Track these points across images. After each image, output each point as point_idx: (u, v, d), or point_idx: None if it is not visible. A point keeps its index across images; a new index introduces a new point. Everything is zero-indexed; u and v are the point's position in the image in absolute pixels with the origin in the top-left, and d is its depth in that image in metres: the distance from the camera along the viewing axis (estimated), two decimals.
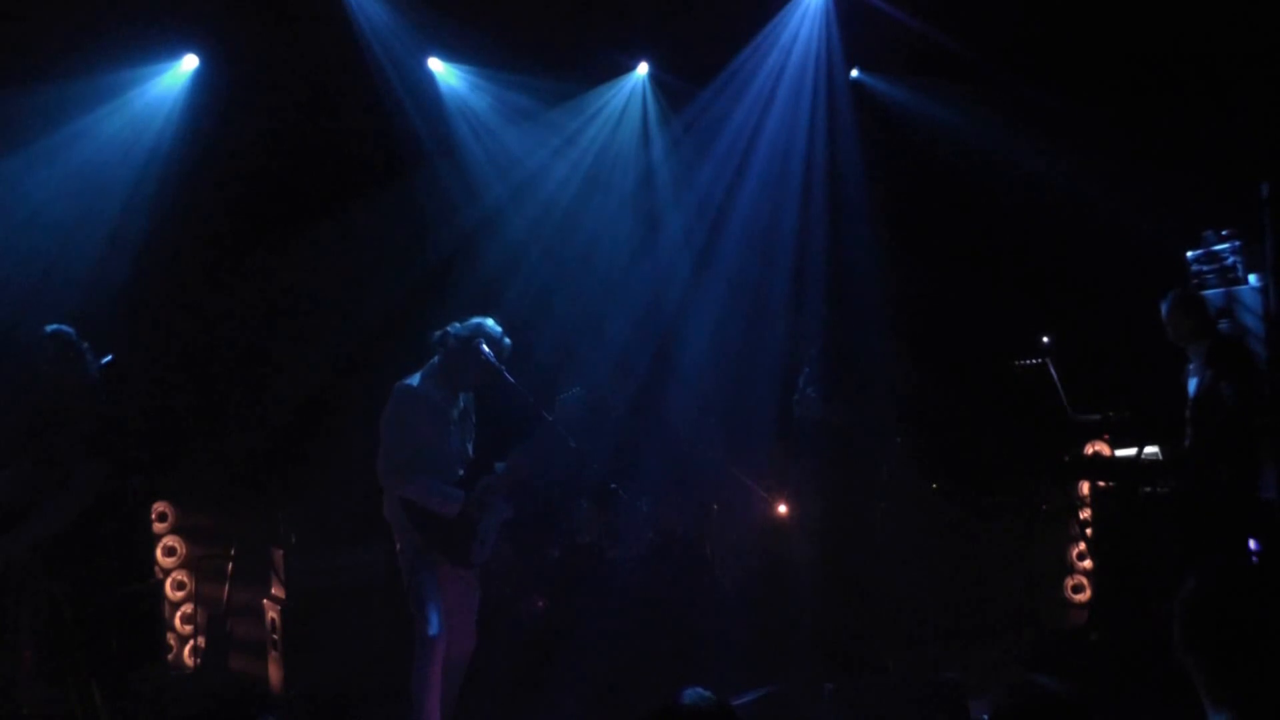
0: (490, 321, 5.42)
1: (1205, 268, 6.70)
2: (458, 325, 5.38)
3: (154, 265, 7.15)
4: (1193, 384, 5.95)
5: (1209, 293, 6.46)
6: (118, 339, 5.87)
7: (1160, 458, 6.27)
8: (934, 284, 7.62)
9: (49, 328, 5.53)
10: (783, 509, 7.04)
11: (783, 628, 6.60)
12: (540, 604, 6.60)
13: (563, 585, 6.60)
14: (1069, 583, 7.68)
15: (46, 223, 7.00)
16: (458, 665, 5.44)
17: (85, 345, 5.60)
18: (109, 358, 5.75)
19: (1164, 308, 5.98)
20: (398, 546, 5.38)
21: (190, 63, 7.47)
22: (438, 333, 5.38)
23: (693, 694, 2.82)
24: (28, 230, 6.93)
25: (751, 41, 8.14)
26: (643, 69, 8.40)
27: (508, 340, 5.43)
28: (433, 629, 5.18)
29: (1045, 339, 6.74)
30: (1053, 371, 6.56)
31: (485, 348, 5.31)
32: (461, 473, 5.35)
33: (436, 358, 5.37)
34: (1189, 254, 6.78)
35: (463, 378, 5.38)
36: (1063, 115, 7.56)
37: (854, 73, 8.45)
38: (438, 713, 5.27)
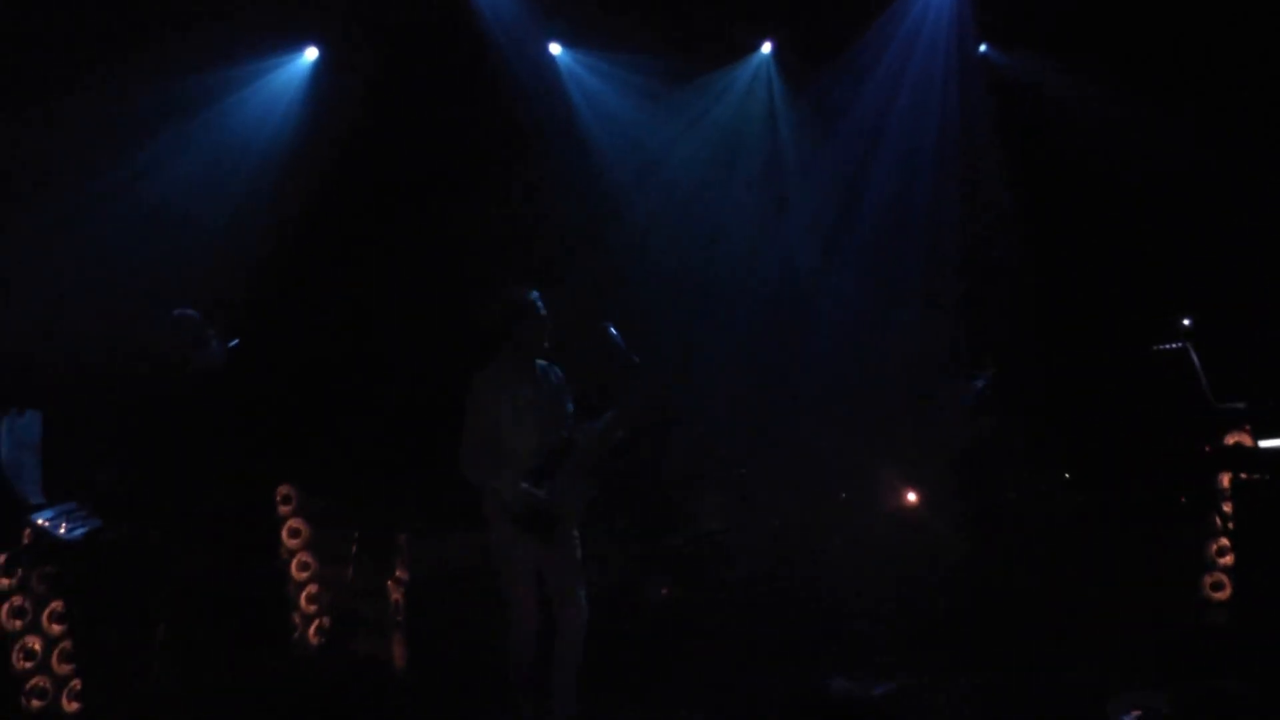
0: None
1: None
2: None
3: (279, 254, 7.28)
4: None
5: None
6: (244, 325, 5.99)
7: None
8: (1071, 266, 7.39)
9: (175, 311, 5.67)
10: (911, 498, 6.89)
11: (912, 620, 6.48)
12: (664, 591, 6.57)
13: (687, 573, 6.57)
14: (1208, 580, 7.34)
15: (174, 213, 7.18)
16: (573, 637, 5.43)
17: (210, 330, 5.72)
18: (235, 341, 5.87)
19: None
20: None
21: (311, 54, 7.58)
22: None
23: (840, 684, 2.78)
24: (156, 221, 7.11)
25: (879, 16, 8.00)
26: (766, 48, 8.29)
27: (531, 292, 5.42)
28: (515, 610, 5.31)
29: (1186, 322, 6.47)
30: (1193, 357, 6.30)
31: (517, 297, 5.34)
32: (538, 458, 5.34)
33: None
34: None
35: (521, 344, 5.36)
36: (1205, 87, 7.26)
37: (982, 48, 8.22)
38: (532, 689, 5.36)
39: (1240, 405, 6.37)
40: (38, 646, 5.55)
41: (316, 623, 7.16)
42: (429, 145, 7.59)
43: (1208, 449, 6.63)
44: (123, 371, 6.26)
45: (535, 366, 5.40)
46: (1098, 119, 7.68)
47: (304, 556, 7.24)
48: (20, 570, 5.51)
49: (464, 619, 6.55)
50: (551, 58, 8.01)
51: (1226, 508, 7.10)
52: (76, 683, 5.65)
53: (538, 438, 5.34)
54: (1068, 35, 7.65)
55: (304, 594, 7.18)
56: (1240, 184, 7.25)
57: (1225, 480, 7.10)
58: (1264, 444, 6.43)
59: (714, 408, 6.42)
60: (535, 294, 5.41)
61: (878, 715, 2.83)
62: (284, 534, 7.19)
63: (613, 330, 5.33)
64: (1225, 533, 7.12)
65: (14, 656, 5.47)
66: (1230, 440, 6.96)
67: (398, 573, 6.82)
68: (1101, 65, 7.63)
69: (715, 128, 8.27)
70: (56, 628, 5.61)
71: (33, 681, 5.52)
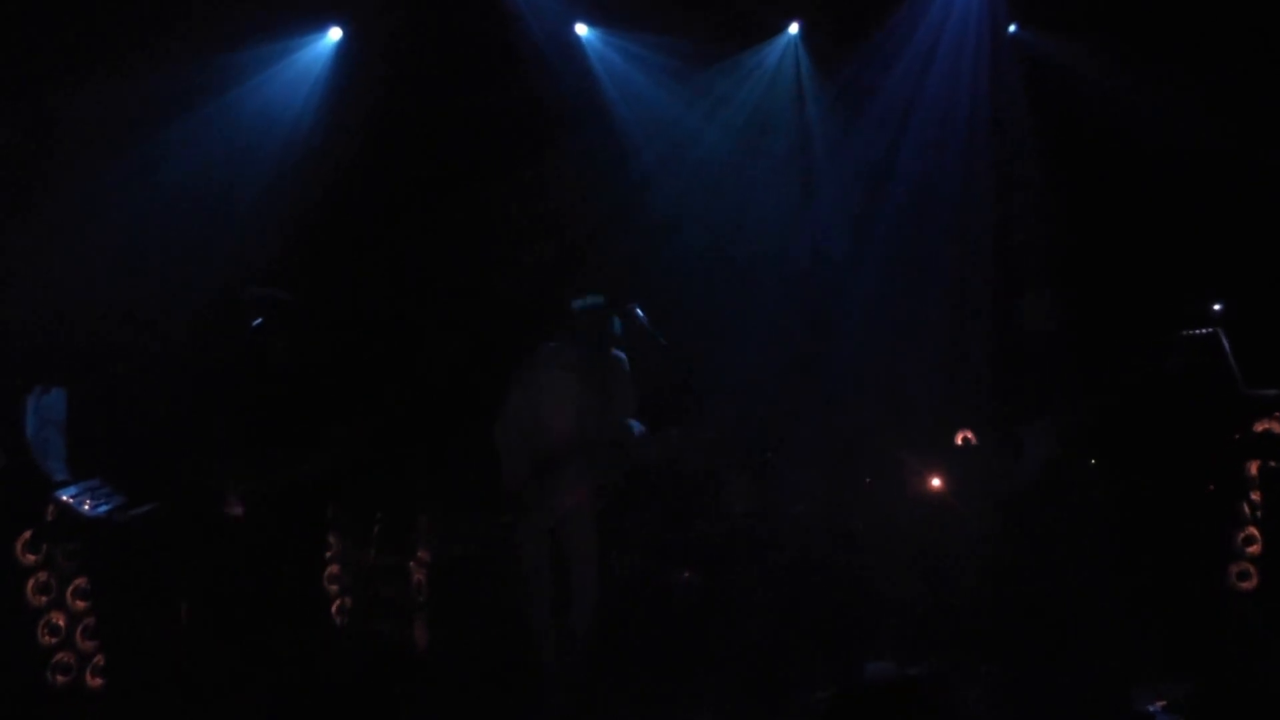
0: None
1: None
2: None
3: (299, 238, 7.25)
4: None
5: None
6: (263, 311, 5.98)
7: None
8: (1100, 249, 7.31)
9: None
10: (936, 483, 6.85)
11: (936, 606, 6.44)
12: (686, 576, 6.56)
13: (711, 558, 6.56)
14: (1234, 569, 7.27)
15: (197, 196, 7.17)
16: (587, 610, 5.54)
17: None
18: (258, 321, 5.89)
19: None
20: None
21: (335, 34, 7.55)
22: None
23: (877, 666, 2.74)
24: (179, 203, 7.10)
25: None
26: (794, 29, 8.23)
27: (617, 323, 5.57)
28: (527, 580, 5.50)
29: (1217, 306, 6.40)
30: (1224, 342, 6.23)
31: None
32: (566, 441, 5.43)
33: None
34: None
35: (580, 334, 5.54)
36: (1239, 67, 7.17)
37: (1012, 28, 8.13)
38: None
39: (1271, 391, 6.31)
40: (62, 622, 5.59)
41: (338, 603, 7.20)
42: (454, 126, 7.58)
43: (1237, 435, 6.58)
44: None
45: (593, 361, 5.50)
46: (1130, 100, 7.59)
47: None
48: (45, 546, 5.54)
49: (485, 600, 6.55)
50: (578, 38, 7.97)
51: (1255, 496, 7.03)
52: (100, 658, 5.69)
53: (571, 427, 5.39)
54: (1099, 15, 7.56)
55: (325, 575, 7.21)
56: (1273, 168, 7.16)
57: (1254, 468, 7.04)
58: None
59: (740, 392, 6.39)
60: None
61: (916, 695, 2.82)
62: None
63: (639, 312, 5.35)
64: (1253, 521, 7.05)
65: (39, 632, 5.51)
66: (1260, 427, 6.89)
67: (419, 554, 6.83)
68: (1134, 45, 7.53)
69: (743, 109, 8.22)
70: (80, 604, 5.65)
71: (57, 657, 5.56)
